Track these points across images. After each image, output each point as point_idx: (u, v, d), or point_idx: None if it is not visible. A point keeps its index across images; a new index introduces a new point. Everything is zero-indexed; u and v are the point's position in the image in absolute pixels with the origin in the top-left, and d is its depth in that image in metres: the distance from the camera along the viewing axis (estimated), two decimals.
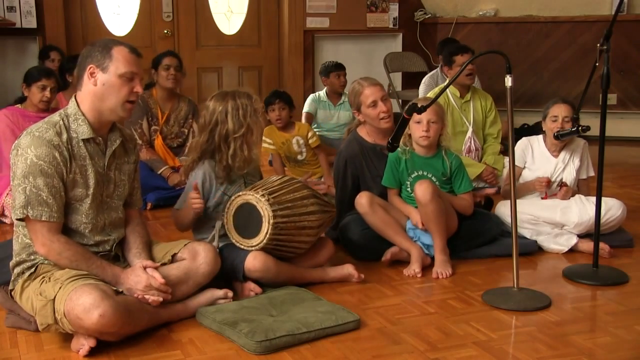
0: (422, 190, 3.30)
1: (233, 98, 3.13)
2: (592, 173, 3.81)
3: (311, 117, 5.57)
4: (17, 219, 2.60)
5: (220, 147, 3.11)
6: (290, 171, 4.73)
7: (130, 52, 2.65)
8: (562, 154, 3.78)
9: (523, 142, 3.87)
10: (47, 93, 4.34)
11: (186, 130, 4.90)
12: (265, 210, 2.93)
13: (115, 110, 2.64)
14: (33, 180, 2.51)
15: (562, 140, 3.73)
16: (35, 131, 2.57)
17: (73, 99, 2.68)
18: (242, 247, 3.01)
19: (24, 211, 2.53)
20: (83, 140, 2.62)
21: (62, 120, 2.63)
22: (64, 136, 2.59)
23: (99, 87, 2.61)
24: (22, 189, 2.53)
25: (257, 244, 2.97)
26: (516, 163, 3.81)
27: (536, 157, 3.83)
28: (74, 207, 2.64)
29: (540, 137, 3.85)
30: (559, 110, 3.71)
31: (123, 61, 2.61)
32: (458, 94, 4.77)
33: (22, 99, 4.50)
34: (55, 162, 2.53)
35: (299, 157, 4.69)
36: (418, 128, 3.43)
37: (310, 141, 4.67)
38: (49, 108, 4.36)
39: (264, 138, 4.75)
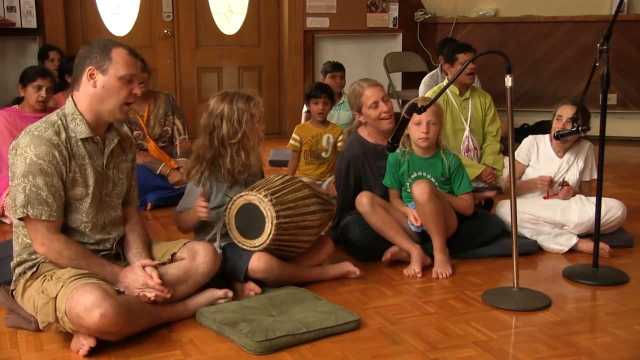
0: (419, 191, 3.30)
1: (230, 102, 3.09)
2: (595, 176, 3.79)
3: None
4: (17, 219, 2.59)
5: (220, 151, 3.10)
6: (305, 168, 4.72)
7: (129, 54, 2.64)
8: (567, 155, 3.79)
9: (530, 139, 3.88)
10: (43, 93, 4.32)
11: (169, 129, 4.81)
12: (268, 210, 2.93)
13: (114, 112, 2.64)
14: (33, 179, 2.52)
15: (563, 140, 3.74)
16: (35, 130, 2.57)
17: (70, 98, 2.67)
18: (244, 247, 3.00)
19: (24, 210, 2.53)
20: (82, 139, 2.62)
21: (60, 119, 2.62)
22: (63, 135, 2.59)
23: (98, 89, 2.61)
24: (21, 188, 2.53)
25: (260, 245, 2.97)
26: (520, 160, 3.83)
27: (541, 156, 3.84)
28: (74, 207, 2.64)
29: (547, 136, 3.85)
30: (564, 111, 3.73)
31: (123, 63, 2.60)
32: (457, 92, 4.77)
33: (19, 100, 4.49)
34: (55, 161, 2.54)
35: (324, 155, 4.70)
36: (417, 129, 3.43)
37: (338, 144, 4.67)
38: (45, 108, 4.34)
39: (293, 135, 4.75)
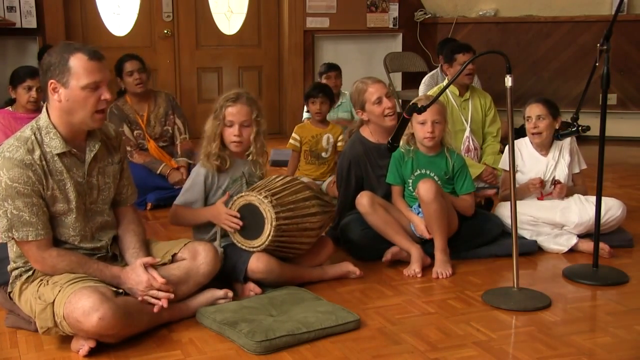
0: (425, 189, 3.30)
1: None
2: (584, 166, 3.81)
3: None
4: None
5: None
6: (306, 169, 4.72)
7: (90, 59, 2.48)
8: (551, 152, 3.78)
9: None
10: (34, 93, 4.28)
11: (170, 128, 4.83)
12: (268, 212, 2.93)
13: (85, 122, 2.55)
14: (12, 202, 2.45)
15: (559, 140, 3.73)
16: (6, 151, 2.48)
17: (45, 109, 2.58)
18: (243, 247, 3.00)
19: (9, 234, 2.49)
20: (57, 154, 2.54)
21: (34, 134, 2.53)
22: (37, 153, 2.49)
23: (64, 103, 2.50)
24: (2, 212, 2.47)
25: (259, 246, 2.96)
26: (506, 168, 3.81)
27: (526, 159, 3.82)
28: (59, 221, 2.59)
29: (527, 138, 3.84)
30: (532, 111, 3.74)
31: (83, 72, 2.47)
32: (457, 93, 4.77)
33: (12, 101, 4.46)
34: (30, 182, 2.46)
35: (324, 154, 4.69)
36: (422, 129, 3.43)
37: (338, 143, 4.67)
38: (39, 108, 4.28)
39: (292, 135, 4.75)
